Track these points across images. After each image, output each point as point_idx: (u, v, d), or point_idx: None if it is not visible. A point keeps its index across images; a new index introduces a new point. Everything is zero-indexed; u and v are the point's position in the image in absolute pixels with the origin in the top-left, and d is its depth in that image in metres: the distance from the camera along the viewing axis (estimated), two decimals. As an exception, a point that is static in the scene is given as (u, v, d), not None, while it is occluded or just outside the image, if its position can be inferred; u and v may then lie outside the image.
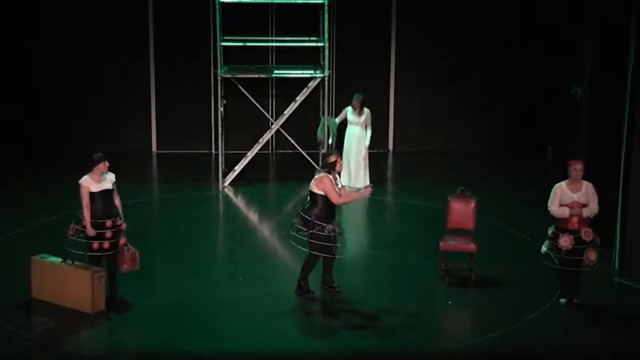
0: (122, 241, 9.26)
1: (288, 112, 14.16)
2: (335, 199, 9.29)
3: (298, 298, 9.63)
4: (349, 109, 13.82)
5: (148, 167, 15.66)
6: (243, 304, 9.57)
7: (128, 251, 9.28)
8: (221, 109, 14.20)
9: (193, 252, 11.15)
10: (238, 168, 14.04)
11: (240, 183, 14.06)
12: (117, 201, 9.35)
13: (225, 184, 13.94)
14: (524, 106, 16.16)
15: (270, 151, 16.06)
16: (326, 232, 9.32)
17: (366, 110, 13.75)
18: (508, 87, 16.22)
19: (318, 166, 13.49)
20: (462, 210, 10.16)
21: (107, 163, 9.21)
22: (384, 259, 11.04)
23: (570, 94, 14.10)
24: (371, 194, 9.82)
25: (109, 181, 9.27)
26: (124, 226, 9.33)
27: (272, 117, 15.15)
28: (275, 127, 14.28)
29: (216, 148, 14.89)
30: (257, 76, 14.78)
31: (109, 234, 9.14)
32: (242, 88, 14.42)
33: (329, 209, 9.41)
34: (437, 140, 16.37)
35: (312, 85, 13.99)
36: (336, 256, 9.62)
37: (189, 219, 12.49)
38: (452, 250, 10.11)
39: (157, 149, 16.27)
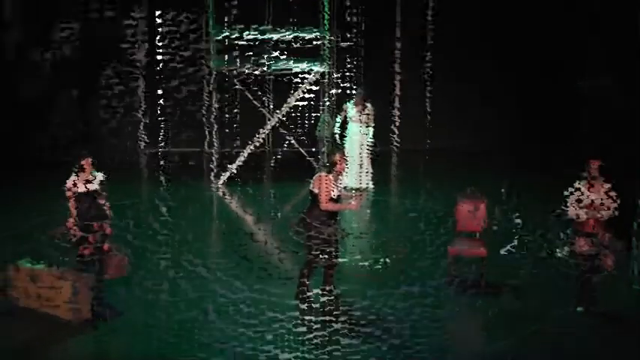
0: (105, 247, 9.17)
1: (286, 108, 14.01)
2: (322, 201, 9.18)
3: (297, 304, 9.48)
4: (350, 104, 13.69)
5: (139, 166, 15.57)
6: (239, 310, 9.45)
7: (114, 257, 9.22)
8: (216, 105, 14.09)
9: (186, 256, 11.04)
10: (234, 167, 13.94)
11: (236, 182, 14.04)
12: (104, 203, 9.25)
13: (220, 183, 13.85)
14: (534, 102, 16.11)
15: (267, 149, 16.03)
16: (325, 235, 9.20)
17: (368, 106, 13.60)
18: (518, 84, 16.20)
19: (317, 164, 13.43)
20: (471, 212, 10.07)
21: (90, 161, 9.14)
22: (388, 263, 10.93)
23: (578, 91, 14.07)
24: (358, 208, 9.67)
25: (96, 181, 9.19)
26: (108, 230, 9.25)
27: (269, 113, 15.06)
28: (272, 122, 14.14)
29: (211, 147, 14.81)
30: (254, 71, 14.59)
31: (92, 238, 9.06)
32: (238, 83, 14.31)
33: (330, 211, 9.25)
34: (444, 138, 16.36)
35: (311, 79, 13.83)
36: (337, 261, 9.49)
37: (182, 220, 12.41)
38: (461, 254, 10.02)
39: (149, 148, 16.18)
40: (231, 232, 12.36)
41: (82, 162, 9.08)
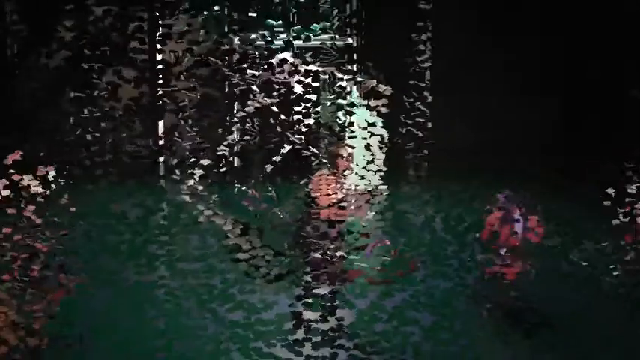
0: (34, 270, 9.14)
1: (277, 89, 13.97)
2: (322, 206, 9.13)
3: (292, 334, 9.54)
4: (354, 87, 13.67)
5: (93, 164, 15.56)
6: (218, 346, 9.55)
7: (55, 279, 9.26)
8: (190, 84, 14.05)
9: (157, 273, 11.15)
10: (209, 162, 13.88)
11: (213, 183, 13.92)
12: (41, 210, 9.20)
13: (192, 183, 13.77)
14: (576, 102, 16.20)
15: (255, 143, 15.99)
16: (325, 249, 9.45)
17: (382, 87, 13.56)
18: (553, 81, 16.25)
19: (316, 160, 13.40)
20: (506, 222, 10.18)
21: (20, 153, 9.16)
22: (407, 282, 10.90)
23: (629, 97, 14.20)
24: (366, 214, 9.72)
25: (35, 183, 9.22)
26: (40, 245, 9.22)
27: (254, 94, 15.01)
28: (255, 104, 14.10)
29: (182, 138, 14.76)
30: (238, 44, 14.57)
31: (25, 255, 9.08)
32: (212, 59, 14.26)
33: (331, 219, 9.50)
34: (471, 133, 16.31)
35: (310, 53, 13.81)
36: (341, 281, 9.64)
37: (145, 232, 12.32)
38: (493, 273, 10.10)
39: (104, 140, 16.17)
40: (207, 247, 12.22)
41: (11, 158, 9.07)
